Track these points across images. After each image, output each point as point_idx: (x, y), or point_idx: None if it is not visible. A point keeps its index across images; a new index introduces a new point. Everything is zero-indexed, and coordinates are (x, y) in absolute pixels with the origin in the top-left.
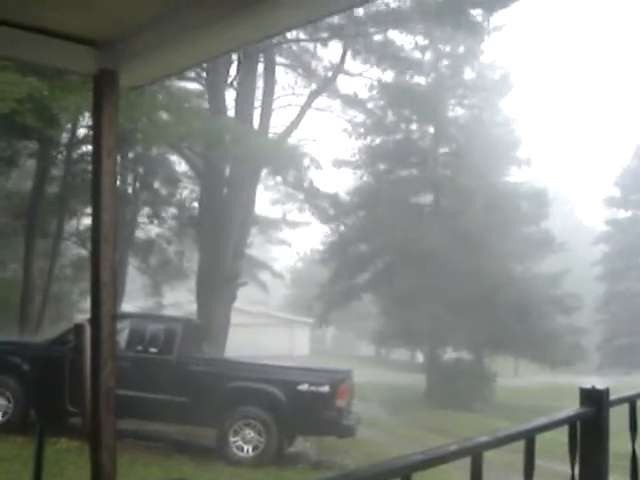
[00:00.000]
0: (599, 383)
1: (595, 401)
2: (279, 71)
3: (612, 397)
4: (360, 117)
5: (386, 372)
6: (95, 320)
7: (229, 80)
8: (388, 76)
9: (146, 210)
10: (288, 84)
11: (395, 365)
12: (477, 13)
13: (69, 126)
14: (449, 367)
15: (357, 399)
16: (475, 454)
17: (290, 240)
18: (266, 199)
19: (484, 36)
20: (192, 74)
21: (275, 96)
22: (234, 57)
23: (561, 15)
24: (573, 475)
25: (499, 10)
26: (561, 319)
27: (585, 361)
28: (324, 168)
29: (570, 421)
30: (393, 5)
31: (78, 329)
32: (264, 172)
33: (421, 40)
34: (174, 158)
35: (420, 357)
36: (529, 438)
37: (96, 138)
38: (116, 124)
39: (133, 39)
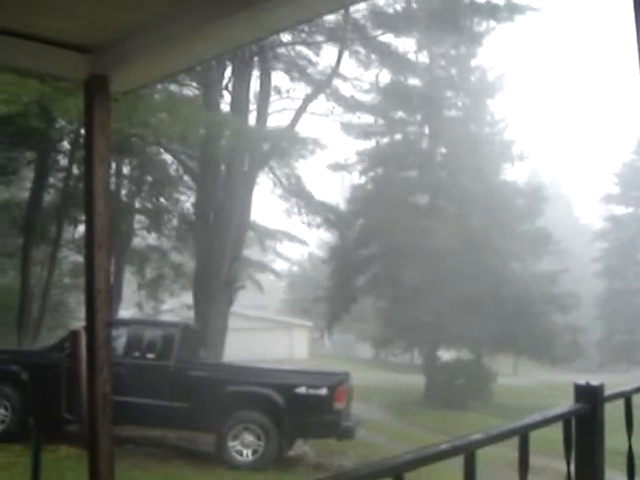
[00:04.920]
0: (598, 380)
1: (590, 397)
2: (274, 75)
3: (607, 393)
4: (357, 120)
5: (385, 374)
6: (90, 327)
7: (224, 83)
8: (384, 78)
9: (142, 217)
10: (284, 88)
11: (394, 367)
12: (473, 19)
13: (68, 130)
14: (448, 367)
15: (356, 401)
16: (468, 452)
17: (285, 250)
18: (266, 202)
19: (479, 39)
20: (186, 78)
21: (270, 100)
22: (229, 61)
23: (560, 9)
24: (569, 472)
25: (496, 20)
26: (560, 317)
27: (585, 359)
28: (321, 172)
29: (565, 417)
30: (388, 9)
31: (74, 336)
32: (265, 171)
33: (416, 43)
34: (170, 162)
35: (419, 358)
36: (523, 435)
37: (88, 143)
38: (108, 129)
39: (123, 44)
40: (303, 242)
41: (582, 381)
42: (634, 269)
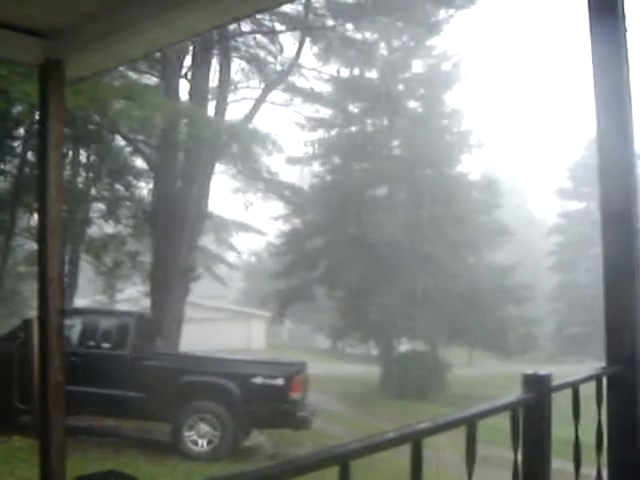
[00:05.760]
0: (550, 371)
1: (537, 387)
2: (234, 64)
3: (555, 383)
4: (315, 111)
5: (342, 365)
6: (43, 315)
7: (183, 72)
8: (343, 69)
9: (100, 205)
10: (243, 77)
11: (351, 357)
12: (430, 9)
13: (25, 115)
14: (404, 358)
15: (313, 391)
16: (415, 441)
17: (243, 239)
18: (226, 189)
19: (438, 28)
20: (145, 66)
21: (230, 89)
22: (188, 49)
23: (515, 5)
24: (516, 460)
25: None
26: (514, 309)
27: (539, 350)
28: (280, 162)
29: (512, 407)
30: None
31: (26, 325)
32: (223, 162)
33: (374, 34)
34: (129, 150)
35: (376, 349)
36: (470, 424)
37: (42, 130)
38: (63, 115)
39: (80, 29)
40: (260, 232)
41: (531, 371)
42: (586, 263)
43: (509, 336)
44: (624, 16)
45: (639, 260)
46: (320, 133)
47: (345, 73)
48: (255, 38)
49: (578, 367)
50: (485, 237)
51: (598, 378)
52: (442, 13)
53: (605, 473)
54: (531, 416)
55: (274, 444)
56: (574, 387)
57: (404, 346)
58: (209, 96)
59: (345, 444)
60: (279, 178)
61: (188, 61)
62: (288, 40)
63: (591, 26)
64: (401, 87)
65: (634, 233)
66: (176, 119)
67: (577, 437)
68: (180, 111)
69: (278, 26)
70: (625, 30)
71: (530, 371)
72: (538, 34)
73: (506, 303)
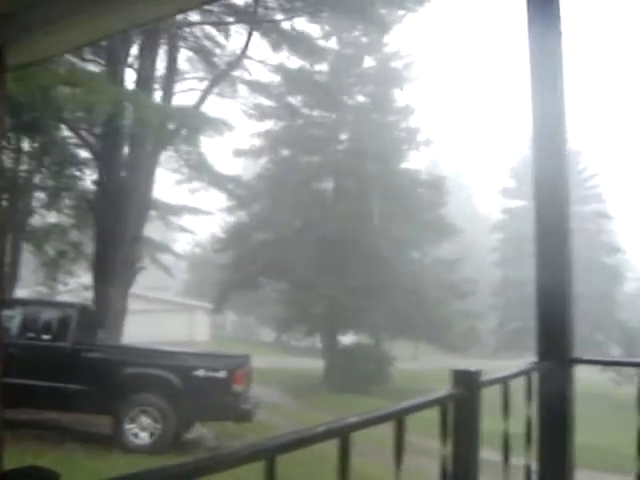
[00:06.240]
0: (491, 365)
1: (466, 382)
2: (182, 54)
3: (485, 378)
4: (263, 103)
5: (286, 358)
6: None
7: (130, 61)
8: (292, 63)
9: (42, 195)
10: (191, 68)
11: (296, 350)
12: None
13: None
14: (348, 352)
15: (256, 384)
16: (343, 436)
17: (190, 227)
18: (170, 181)
19: (388, 27)
20: (91, 54)
21: (176, 79)
22: (135, 38)
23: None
24: (445, 455)
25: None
26: (457, 304)
27: (482, 344)
28: (226, 153)
29: (441, 402)
30: None
31: None
32: (168, 153)
33: (326, 28)
34: (72, 138)
35: (321, 342)
36: (399, 419)
37: None
38: (3, 102)
39: (22, 14)
40: (209, 213)
41: (480, 367)
42: (527, 260)
43: (453, 330)
44: (559, 17)
45: (570, 256)
46: (268, 125)
47: (295, 66)
48: (203, 29)
49: (518, 362)
50: (431, 233)
51: (528, 373)
52: (393, 13)
53: (534, 466)
54: (461, 411)
55: (216, 437)
56: (504, 383)
57: (349, 339)
58: (156, 86)
59: (271, 439)
60: (224, 172)
61: (135, 50)
62: (237, 32)
63: (529, 30)
64: (351, 82)
65: (565, 230)
66: (121, 106)
67: (506, 432)
68: (125, 97)
69: (227, 18)
70: (560, 33)
71: (474, 365)
72: (485, 36)
73: (450, 298)
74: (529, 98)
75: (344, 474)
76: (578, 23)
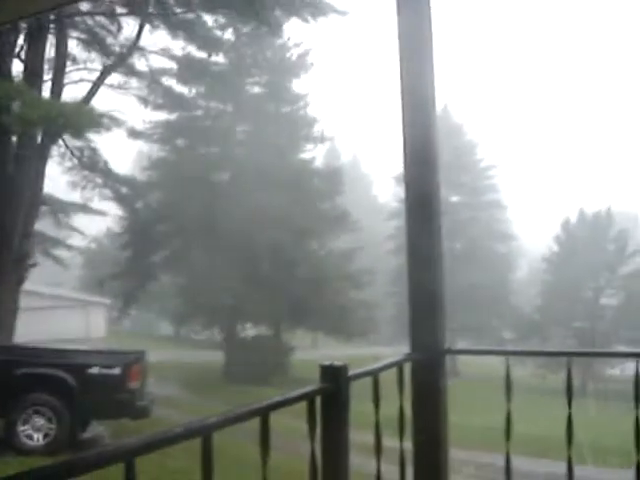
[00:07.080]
0: (388, 352)
1: (334, 377)
2: (72, 44)
3: (353, 372)
4: (157, 93)
5: (186, 351)
6: None
7: (16, 51)
8: (187, 53)
9: None
10: (81, 58)
11: (195, 344)
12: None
13: None
14: (247, 343)
15: (155, 379)
16: (205, 436)
17: (83, 224)
18: (63, 182)
19: (282, 23)
20: None
21: (67, 70)
22: (22, 26)
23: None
24: (313, 450)
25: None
26: (355, 293)
27: (380, 333)
28: (117, 146)
29: (309, 397)
30: None
31: None
32: (59, 151)
33: (221, 19)
34: None
35: (220, 335)
36: (264, 416)
37: None
38: None
39: None
40: (101, 212)
41: (378, 354)
42: None
43: (350, 320)
44: (429, 7)
45: (441, 252)
46: (162, 115)
47: (188, 56)
48: (94, 18)
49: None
50: (328, 223)
51: (399, 365)
52: (288, 18)
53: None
54: (329, 405)
55: (114, 434)
56: (374, 375)
57: (249, 331)
58: (45, 77)
59: (126, 441)
60: (118, 172)
61: (21, 40)
62: (129, 22)
63: (398, 13)
64: (246, 73)
65: (436, 218)
66: (7, 100)
67: (377, 422)
68: (11, 92)
69: (119, 9)
70: (430, 22)
71: (371, 352)
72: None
73: (347, 288)
74: (398, 81)
75: (208, 474)
76: (489, 21)
